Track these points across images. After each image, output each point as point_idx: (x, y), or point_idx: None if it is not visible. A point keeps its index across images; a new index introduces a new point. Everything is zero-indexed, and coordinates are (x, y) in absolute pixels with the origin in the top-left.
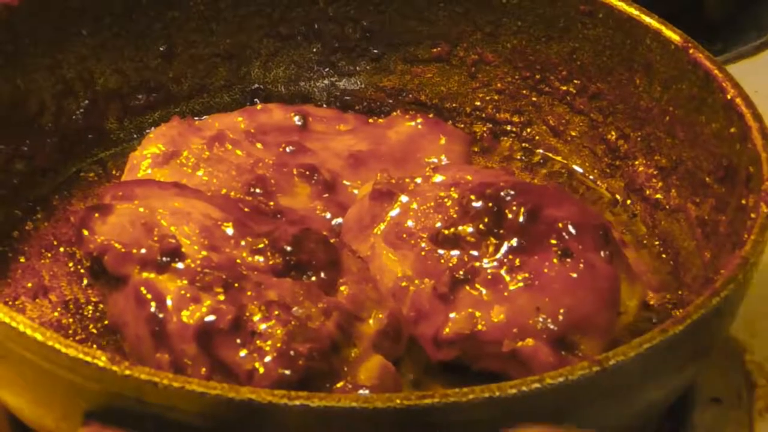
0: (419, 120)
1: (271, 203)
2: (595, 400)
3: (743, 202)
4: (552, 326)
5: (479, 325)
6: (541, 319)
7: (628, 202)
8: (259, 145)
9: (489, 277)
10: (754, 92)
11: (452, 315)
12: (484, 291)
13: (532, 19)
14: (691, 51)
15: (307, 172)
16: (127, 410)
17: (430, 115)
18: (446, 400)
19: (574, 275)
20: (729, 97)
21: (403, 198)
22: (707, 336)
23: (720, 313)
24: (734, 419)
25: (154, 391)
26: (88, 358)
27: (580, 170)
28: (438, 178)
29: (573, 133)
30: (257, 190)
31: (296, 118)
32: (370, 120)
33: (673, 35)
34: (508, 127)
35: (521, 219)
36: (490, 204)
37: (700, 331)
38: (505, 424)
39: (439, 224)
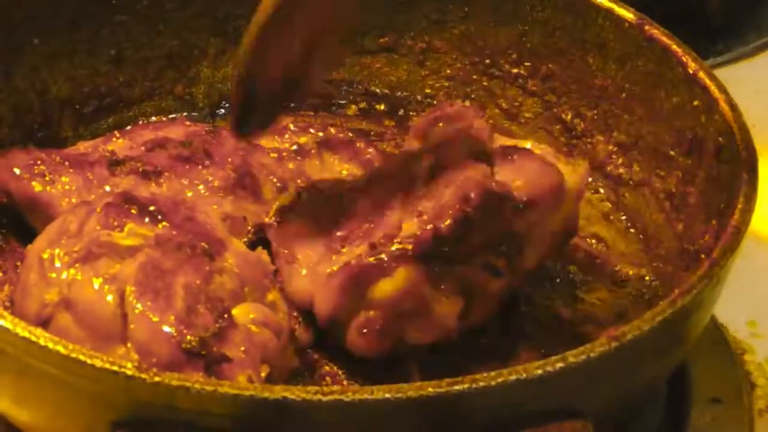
0: None
1: None
2: (612, 374)
3: (714, 173)
4: None
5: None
6: None
7: (590, 179)
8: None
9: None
10: (754, 92)
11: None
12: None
13: (479, 5)
14: (645, 28)
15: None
16: (156, 418)
17: (381, 106)
18: (476, 385)
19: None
20: (691, 70)
21: None
22: (708, 305)
23: (719, 282)
24: (734, 419)
25: (185, 396)
26: (115, 368)
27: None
28: None
29: (527, 115)
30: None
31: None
32: None
33: (626, 13)
34: None
35: None
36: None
37: (704, 300)
38: (528, 404)
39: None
